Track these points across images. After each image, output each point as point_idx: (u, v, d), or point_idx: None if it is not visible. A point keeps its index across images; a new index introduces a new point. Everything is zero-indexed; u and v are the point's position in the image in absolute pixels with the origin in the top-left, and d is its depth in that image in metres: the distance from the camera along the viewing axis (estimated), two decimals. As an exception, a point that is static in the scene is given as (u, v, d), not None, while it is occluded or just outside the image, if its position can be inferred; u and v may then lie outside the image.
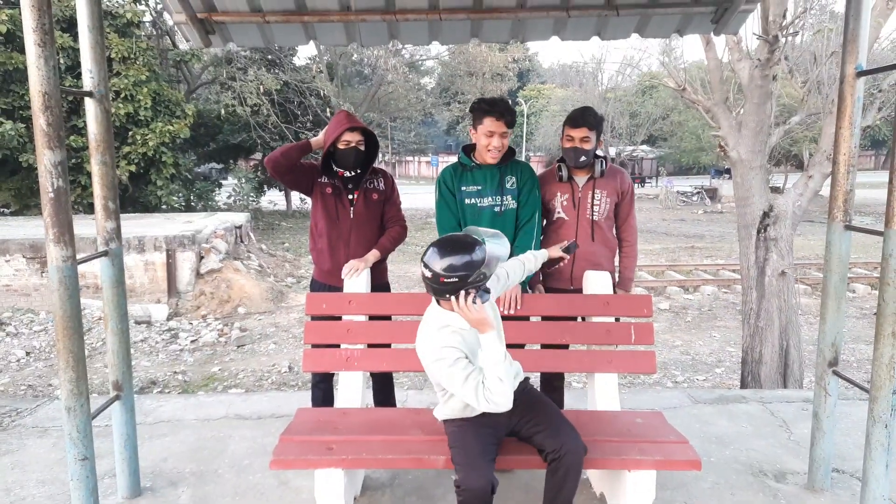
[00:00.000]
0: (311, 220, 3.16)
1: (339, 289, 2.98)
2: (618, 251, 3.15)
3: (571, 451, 2.21)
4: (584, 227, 3.00)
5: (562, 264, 3.01)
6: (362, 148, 3.00)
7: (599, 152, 3.03)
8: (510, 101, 3.05)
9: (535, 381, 3.18)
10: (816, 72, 6.20)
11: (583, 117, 2.90)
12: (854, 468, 2.98)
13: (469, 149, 2.98)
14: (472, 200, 2.92)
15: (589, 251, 3.00)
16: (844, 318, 2.66)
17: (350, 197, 3.04)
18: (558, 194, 3.02)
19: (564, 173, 2.99)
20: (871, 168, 41.73)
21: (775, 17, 5.01)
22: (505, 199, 2.91)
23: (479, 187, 2.91)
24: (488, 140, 2.81)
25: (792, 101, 9.87)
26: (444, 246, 2.06)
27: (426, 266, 2.05)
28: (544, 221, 3.08)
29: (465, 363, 2.09)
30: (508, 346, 2.90)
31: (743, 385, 5.79)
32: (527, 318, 2.93)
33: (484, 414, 2.23)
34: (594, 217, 3.00)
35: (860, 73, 2.47)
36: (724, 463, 3.09)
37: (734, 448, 3.27)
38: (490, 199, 2.90)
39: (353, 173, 3.04)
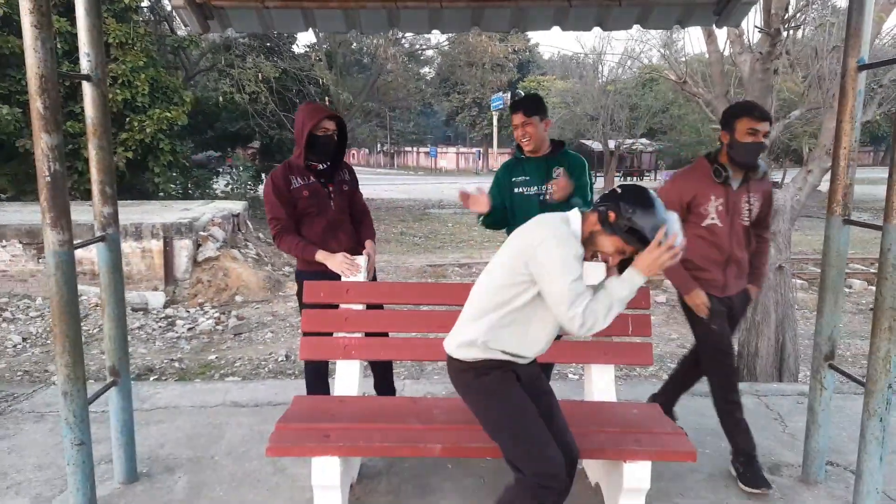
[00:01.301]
0: (299, 228, 3.09)
1: (331, 276, 2.96)
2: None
3: (571, 467, 2.16)
4: (739, 234, 2.81)
5: (713, 274, 2.86)
6: (336, 137, 3.02)
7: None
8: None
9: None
10: (817, 66, 6.18)
11: (759, 109, 2.69)
12: (848, 461, 2.99)
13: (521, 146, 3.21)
14: (521, 189, 3.12)
15: (742, 258, 2.85)
16: (841, 313, 2.67)
17: (327, 191, 3.03)
18: (713, 197, 2.76)
19: (730, 173, 2.73)
20: (870, 164, 41.74)
21: (777, 11, 4.99)
22: (549, 187, 3.08)
23: (528, 177, 3.11)
24: (517, 132, 3.09)
25: (792, 95, 9.85)
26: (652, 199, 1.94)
27: (622, 201, 1.92)
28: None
29: (581, 282, 1.92)
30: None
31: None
32: None
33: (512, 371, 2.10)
34: (746, 222, 2.81)
35: (862, 67, 2.46)
36: (720, 455, 3.10)
37: (729, 440, 3.28)
38: (536, 187, 3.10)
39: (324, 166, 3.03)
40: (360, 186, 3.26)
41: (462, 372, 2.14)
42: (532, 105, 3.10)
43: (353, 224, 3.16)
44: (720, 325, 2.89)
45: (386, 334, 3.04)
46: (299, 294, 3.06)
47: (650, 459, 2.35)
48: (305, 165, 2.99)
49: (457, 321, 2.18)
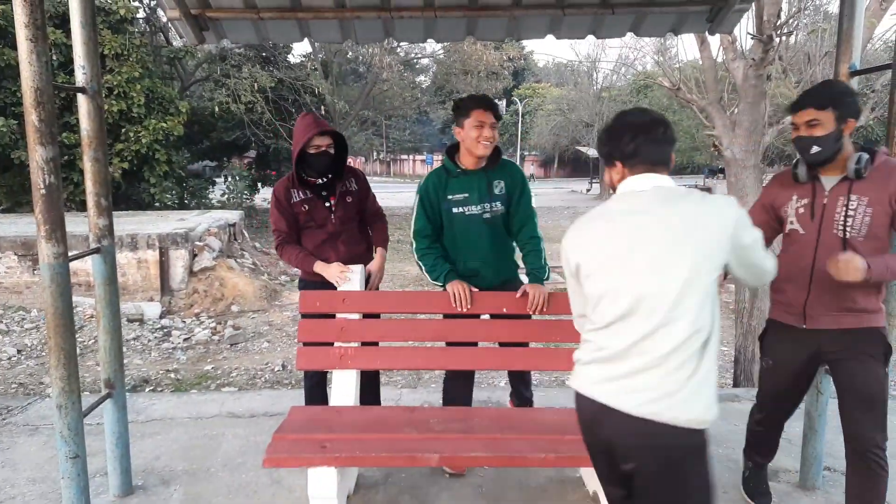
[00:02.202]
0: (300, 240, 3.11)
1: (333, 286, 2.96)
2: None
3: None
4: (828, 246, 2.22)
5: (789, 296, 2.38)
6: (332, 151, 2.96)
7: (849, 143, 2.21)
8: (505, 100, 3.04)
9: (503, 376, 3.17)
10: (810, 71, 6.23)
11: (807, 95, 2.20)
12: (845, 466, 2.99)
13: (453, 151, 2.89)
14: (460, 209, 2.82)
15: (835, 281, 2.13)
16: (837, 318, 2.66)
17: (327, 205, 3.00)
18: (794, 198, 2.33)
19: (801, 171, 2.29)
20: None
21: (770, 17, 5.03)
22: (494, 205, 2.83)
23: (466, 195, 2.81)
24: (479, 131, 2.70)
25: (786, 100, 9.91)
26: None
27: None
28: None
29: None
30: (505, 344, 2.91)
31: (735, 384, 5.82)
32: (528, 317, 2.91)
33: None
34: (846, 233, 2.19)
35: (853, 73, 2.48)
36: (718, 461, 3.09)
37: (727, 447, 3.28)
38: (478, 206, 2.81)
39: (324, 180, 2.99)
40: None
41: (700, 446, 1.58)
42: (497, 108, 2.79)
43: (362, 232, 3.16)
44: (776, 364, 2.47)
45: (377, 343, 3.03)
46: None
47: (648, 467, 2.34)
48: (300, 181, 2.98)
49: (662, 377, 1.54)
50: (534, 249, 2.90)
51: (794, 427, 3.41)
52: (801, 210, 2.30)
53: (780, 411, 2.61)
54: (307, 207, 2.98)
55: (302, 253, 2.99)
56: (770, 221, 2.43)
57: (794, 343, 2.39)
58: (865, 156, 2.15)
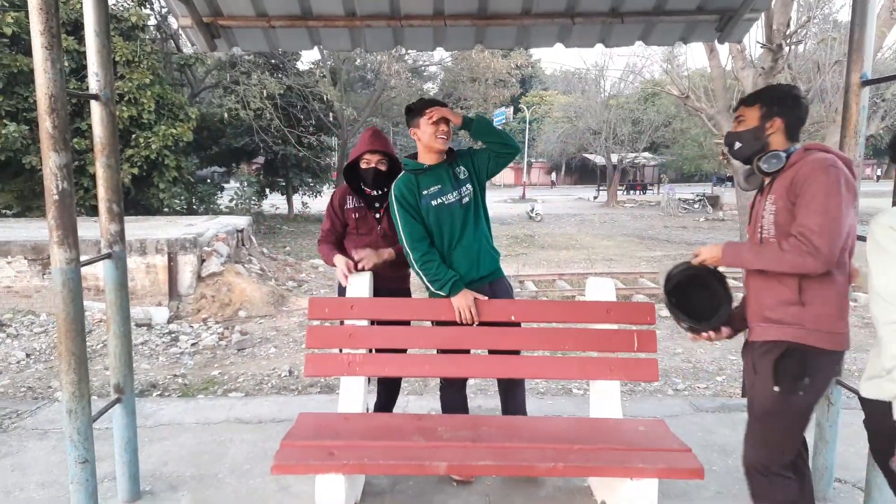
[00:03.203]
0: (344, 243, 3.25)
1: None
2: None
3: None
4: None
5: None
6: (383, 168, 3.08)
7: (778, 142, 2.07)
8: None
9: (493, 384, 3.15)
10: (819, 80, 6.22)
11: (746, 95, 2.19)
12: (856, 478, 2.96)
13: (412, 157, 3.00)
14: (439, 200, 2.89)
15: (755, 287, 2.10)
16: (848, 328, 2.65)
17: (377, 216, 3.15)
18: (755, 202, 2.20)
19: (740, 179, 2.26)
20: (873, 178, 41.71)
21: (779, 26, 5.03)
22: (464, 188, 2.93)
23: (439, 186, 2.89)
24: (436, 127, 2.79)
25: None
26: None
27: None
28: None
29: None
30: (503, 352, 2.91)
31: (744, 394, 5.76)
32: (518, 325, 2.92)
33: None
34: (761, 235, 2.09)
35: (865, 83, 2.47)
36: (727, 472, 3.07)
37: (736, 457, 3.24)
38: (453, 194, 2.90)
39: (377, 192, 3.13)
40: None
41: None
42: (447, 105, 2.90)
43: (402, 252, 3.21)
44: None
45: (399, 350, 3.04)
46: None
47: (657, 477, 2.33)
48: (355, 189, 3.13)
49: None
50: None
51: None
52: (752, 217, 2.22)
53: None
54: (357, 215, 3.14)
55: (330, 248, 3.14)
56: None
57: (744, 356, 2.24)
58: (779, 153, 2.03)
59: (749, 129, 2.09)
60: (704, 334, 2.25)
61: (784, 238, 1.96)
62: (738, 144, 2.13)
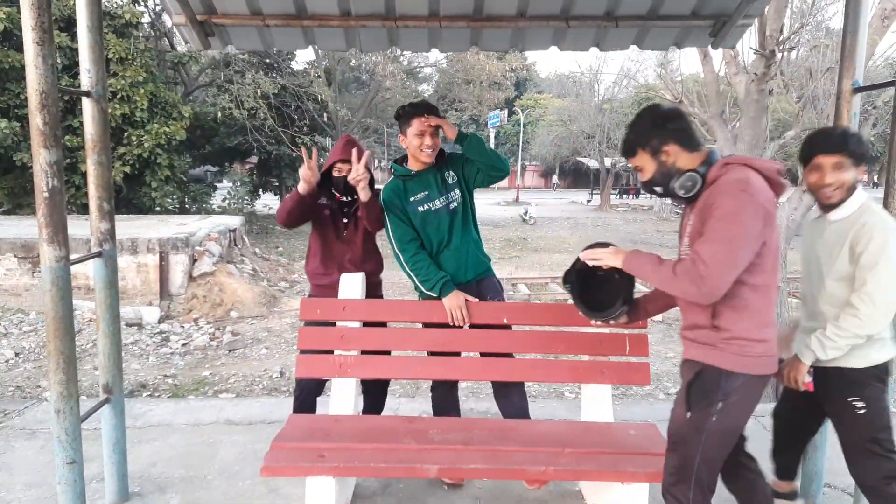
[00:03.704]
0: (310, 240, 3.19)
1: (334, 294, 2.97)
2: None
3: None
4: None
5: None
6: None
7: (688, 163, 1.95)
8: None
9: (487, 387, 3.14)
10: (812, 87, 6.26)
11: (621, 146, 2.09)
12: (846, 483, 2.97)
13: (400, 161, 2.99)
14: (425, 206, 2.88)
15: (681, 301, 2.05)
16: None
17: (344, 220, 3.08)
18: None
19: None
20: (865, 183, 42.04)
21: (772, 33, 5.06)
22: (452, 194, 2.91)
23: (426, 192, 2.88)
24: (420, 140, 2.78)
25: (787, 115, 9.95)
26: None
27: None
28: None
29: None
30: (494, 354, 2.90)
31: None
32: (510, 327, 2.92)
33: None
34: (680, 254, 2.02)
35: (857, 90, 2.48)
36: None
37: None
38: (440, 199, 2.89)
39: (348, 199, 3.06)
40: None
41: None
42: (437, 113, 2.83)
43: (372, 252, 3.17)
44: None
45: (388, 352, 3.02)
46: None
47: (648, 481, 2.33)
48: (326, 193, 3.06)
49: None
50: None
51: (794, 443, 3.39)
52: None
53: None
54: (328, 212, 3.08)
55: (284, 201, 3.00)
56: None
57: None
58: (693, 175, 1.90)
59: (653, 173, 1.97)
60: (600, 322, 2.32)
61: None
62: (658, 189, 2.00)
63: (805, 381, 2.21)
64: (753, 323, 1.89)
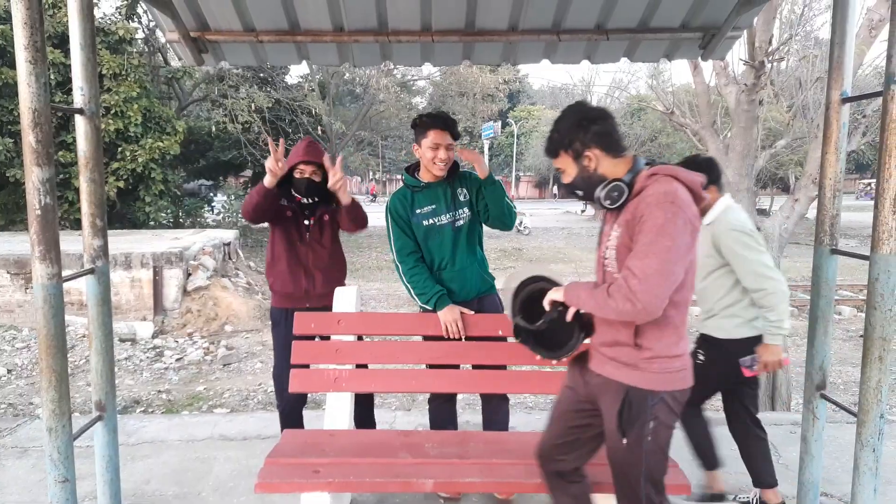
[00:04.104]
0: (269, 244, 3.15)
1: (300, 309, 2.98)
2: None
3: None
4: (599, 276, 2.01)
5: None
6: (317, 179, 3.03)
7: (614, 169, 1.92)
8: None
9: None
10: (802, 97, 6.31)
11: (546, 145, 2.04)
12: (842, 492, 2.97)
13: (412, 169, 2.96)
14: (430, 221, 2.87)
15: (601, 318, 1.99)
16: (831, 341, 2.67)
17: (306, 223, 3.07)
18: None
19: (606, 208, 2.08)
20: (854, 192, 42.30)
21: (761, 44, 5.11)
22: (460, 212, 2.89)
23: (434, 206, 2.86)
24: (434, 153, 2.76)
25: (778, 125, 10.03)
26: None
27: None
28: None
29: None
30: (490, 366, 2.89)
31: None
32: (506, 339, 2.91)
33: None
34: (606, 268, 1.93)
35: (845, 100, 2.51)
36: (714, 486, 3.06)
37: (724, 471, 3.25)
38: (447, 215, 2.86)
39: (309, 201, 3.06)
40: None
41: None
42: (455, 127, 2.83)
43: (337, 259, 3.17)
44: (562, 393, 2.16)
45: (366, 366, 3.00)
46: (272, 331, 3.18)
47: (645, 493, 2.32)
48: (286, 195, 3.04)
49: None
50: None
51: (790, 452, 3.40)
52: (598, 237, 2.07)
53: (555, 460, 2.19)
54: (290, 213, 3.07)
55: (250, 194, 2.95)
56: None
57: (581, 380, 2.09)
58: (620, 185, 1.85)
59: (574, 177, 1.93)
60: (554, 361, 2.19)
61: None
62: (579, 193, 1.96)
63: (782, 357, 2.75)
64: (672, 340, 1.88)
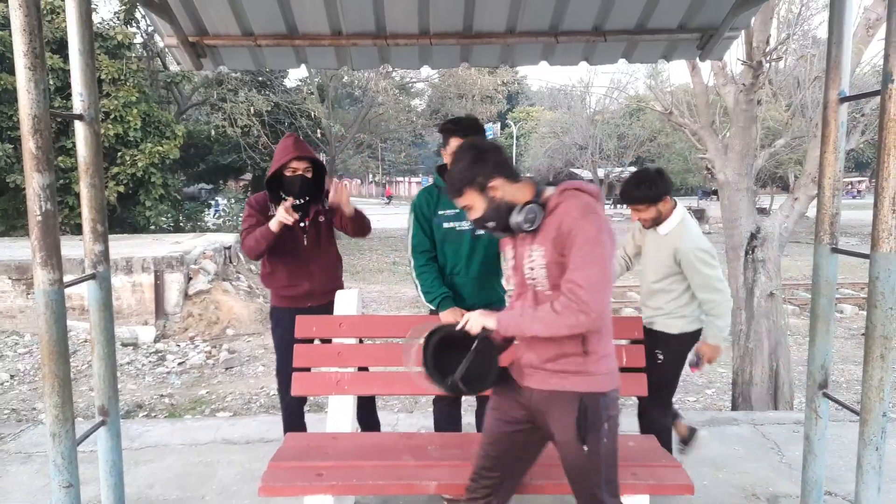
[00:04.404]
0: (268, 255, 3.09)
1: (303, 311, 2.97)
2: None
3: None
4: (529, 299, 2.01)
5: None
6: (309, 175, 3.01)
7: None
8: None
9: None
10: (800, 96, 6.32)
11: (447, 187, 2.04)
12: (846, 491, 2.98)
13: (444, 169, 2.93)
14: (451, 224, 2.87)
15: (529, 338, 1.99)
16: (833, 340, 2.67)
17: (301, 225, 3.02)
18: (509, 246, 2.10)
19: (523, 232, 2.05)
20: (854, 192, 42.31)
21: (759, 44, 5.12)
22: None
23: (458, 210, 2.81)
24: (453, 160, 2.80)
25: (777, 124, 10.03)
26: None
27: None
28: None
29: None
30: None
31: (734, 407, 5.79)
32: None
33: None
34: (536, 288, 1.97)
35: (843, 99, 2.51)
36: (717, 486, 3.07)
37: (727, 471, 3.26)
38: (468, 222, 2.81)
39: (301, 201, 3.01)
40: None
41: None
42: (478, 133, 2.82)
43: (336, 261, 3.17)
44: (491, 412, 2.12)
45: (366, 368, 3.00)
46: (273, 331, 3.11)
47: (648, 493, 2.32)
48: (275, 200, 3.00)
49: None
50: None
51: (793, 451, 3.40)
52: (512, 261, 2.07)
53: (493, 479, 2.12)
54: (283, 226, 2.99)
55: (258, 229, 2.92)
56: None
57: (512, 401, 2.07)
58: (534, 207, 1.90)
59: (484, 210, 1.94)
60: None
61: (557, 294, 1.87)
62: (490, 225, 1.97)
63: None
64: (608, 337, 1.97)
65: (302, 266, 3.04)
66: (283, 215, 2.82)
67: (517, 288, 2.07)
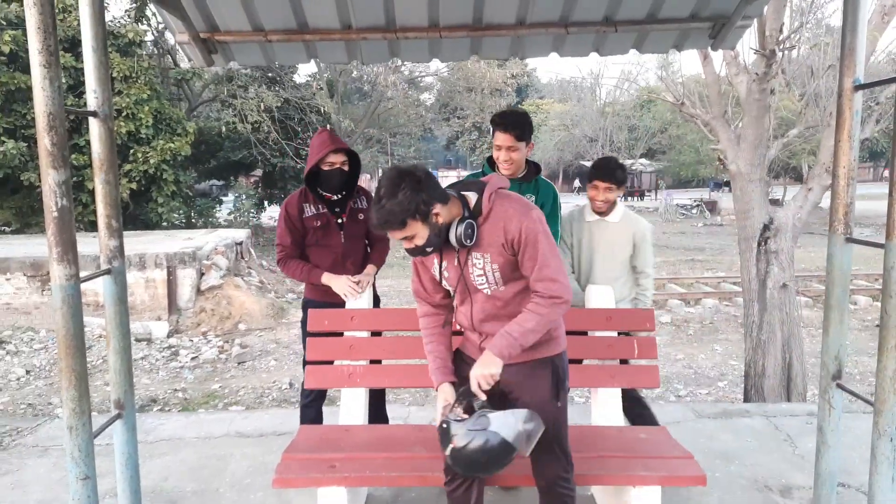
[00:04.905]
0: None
1: (339, 304, 2.97)
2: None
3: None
4: (478, 301, 2.12)
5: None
6: (346, 168, 3.00)
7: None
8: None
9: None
10: (814, 85, 6.25)
11: (379, 223, 1.96)
12: (860, 482, 2.96)
13: (493, 163, 2.99)
14: None
15: (497, 326, 2.09)
16: (847, 331, 2.65)
17: (339, 221, 3.03)
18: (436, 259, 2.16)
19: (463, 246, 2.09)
20: (871, 180, 41.84)
21: (772, 32, 5.06)
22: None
23: None
24: (498, 153, 2.86)
25: (790, 114, 9.93)
26: None
27: None
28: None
29: None
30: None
31: (746, 399, 5.77)
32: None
33: None
34: (484, 289, 2.08)
35: (858, 87, 2.48)
36: (730, 478, 3.07)
37: (739, 463, 3.25)
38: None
39: (338, 196, 3.03)
40: None
41: None
42: (522, 128, 2.82)
43: (366, 254, 3.17)
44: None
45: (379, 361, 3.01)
46: (303, 322, 3.06)
47: (659, 485, 2.33)
48: (316, 196, 3.01)
49: None
50: None
51: (806, 442, 3.38)
52: (447, 272, 2.12)
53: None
54: (319, 223, 3.00)
55: (307, 266, 3.00)
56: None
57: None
58: (471, 223, 1.96)
59: (427, 237, 1.94)
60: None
61: (524, 292, 2.03)
62: (430, 249, 1.99)
63: None
64: None
65: (338, 261, 3.03)
66: (346, 290, 2.91)
67: (459, 295, 2.16)
